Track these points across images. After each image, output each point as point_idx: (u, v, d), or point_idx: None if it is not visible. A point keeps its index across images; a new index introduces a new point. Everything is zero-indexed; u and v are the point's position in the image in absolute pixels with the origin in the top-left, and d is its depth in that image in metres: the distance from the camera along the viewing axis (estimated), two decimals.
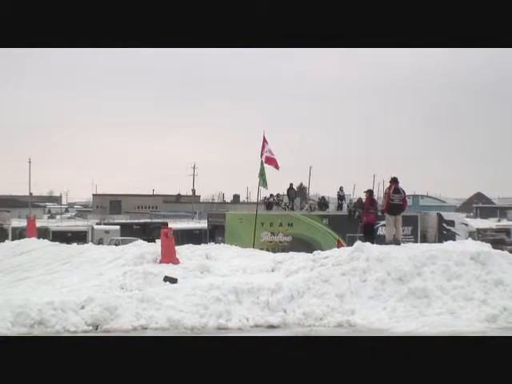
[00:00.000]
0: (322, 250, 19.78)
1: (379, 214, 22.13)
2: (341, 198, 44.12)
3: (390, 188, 19.71)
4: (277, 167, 28.06)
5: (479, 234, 43.44)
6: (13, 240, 29.71)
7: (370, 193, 22.55)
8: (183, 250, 19.91)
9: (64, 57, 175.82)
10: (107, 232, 48.76)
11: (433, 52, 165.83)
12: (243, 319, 14.23)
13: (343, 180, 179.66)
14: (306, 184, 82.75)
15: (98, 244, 34.17)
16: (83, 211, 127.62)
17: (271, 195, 41.40)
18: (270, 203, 41.26)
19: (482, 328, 13.58)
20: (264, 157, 27.61)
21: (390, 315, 14.56)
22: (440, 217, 39.06)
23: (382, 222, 23.04)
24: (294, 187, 44.92)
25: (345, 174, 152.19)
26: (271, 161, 27.85)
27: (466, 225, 40.79)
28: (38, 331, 12.94)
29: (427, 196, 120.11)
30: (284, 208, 41.57)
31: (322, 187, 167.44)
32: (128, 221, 69.87)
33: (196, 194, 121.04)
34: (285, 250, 27.38)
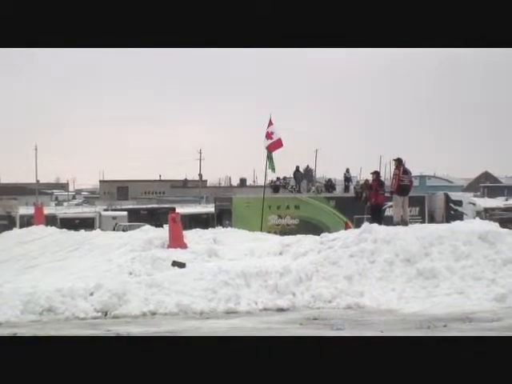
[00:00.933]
0: (330, 232, 19.78)
1: (387, 195, 22.10)
2: (347, 179, 44.07)
3: (398, 169, 19.72)
4: (273, 149, 27.60)
5: (487, 214, 43.28)
6: (21, 228, 29.79)
7: (377, 174, 22.49)
8: (191, 235, 19.96)
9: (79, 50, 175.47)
10: (115, 218, 48.79)
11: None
12: (252, 303, 14.26)
13: (349, 162, 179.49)
14: (312, 166, 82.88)
15: (114, 230, 34.31)
16: (90, 198, 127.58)
17: (278, 178, 41.33)
18: (276, 186, 41.22)
19: (491, 307, 13.56)
20: (268, 142, 27.33)
21: (399, 296, 14.57)
22: (447, 197, 38.96)
23: (390, 203, 22.99)
24: (301, 170, 44.83)
25: (351, 156, 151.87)
26: (273, 146, 27.55)
27: (474, 204, 40.63)
28: (47, 318, 13.00)
29: (434, 176, 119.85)
30: (291, 191, 41.50)
31: (329, 169, 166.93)
32: (135, 206, 69.81)
33: (203, 178, 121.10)
34: (292, 232, 27.35)
